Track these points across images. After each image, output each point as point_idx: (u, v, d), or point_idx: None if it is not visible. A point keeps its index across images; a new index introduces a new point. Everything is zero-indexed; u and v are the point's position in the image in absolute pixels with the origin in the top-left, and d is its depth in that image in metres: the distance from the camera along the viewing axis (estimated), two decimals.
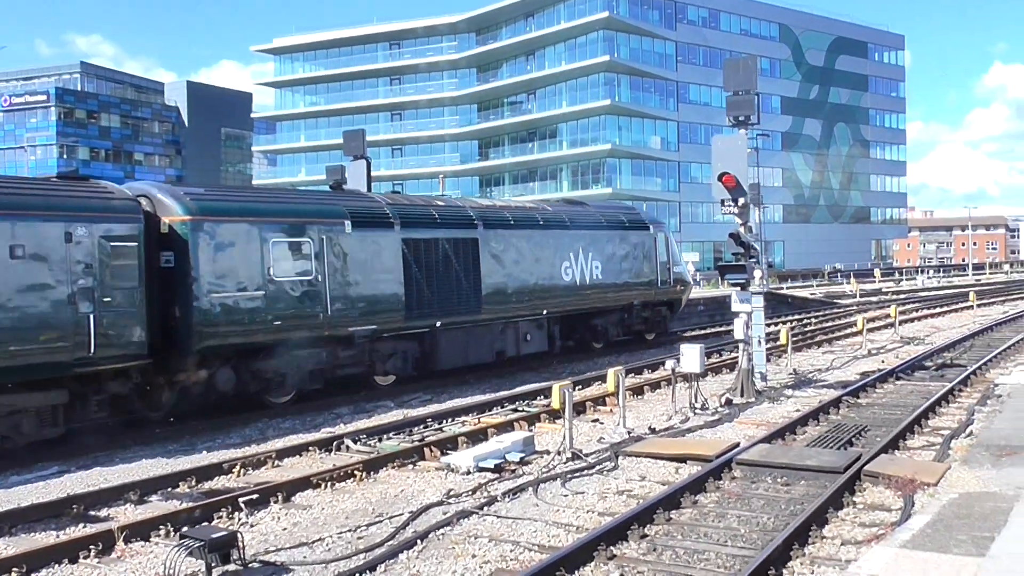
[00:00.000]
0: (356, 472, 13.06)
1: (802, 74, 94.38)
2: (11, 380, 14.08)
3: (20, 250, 13.99)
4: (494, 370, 23.32)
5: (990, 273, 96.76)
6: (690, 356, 17.23)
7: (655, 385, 20.65)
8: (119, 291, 15.12)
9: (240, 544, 9.06)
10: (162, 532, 10.47)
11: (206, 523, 10.67)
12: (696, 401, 17.52)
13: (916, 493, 11.25)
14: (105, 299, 14.93)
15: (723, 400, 18.34)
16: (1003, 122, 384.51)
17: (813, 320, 37.64)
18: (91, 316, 14.70)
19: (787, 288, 59.80)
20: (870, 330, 31.35)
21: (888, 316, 31.69)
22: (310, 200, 20.46)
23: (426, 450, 14.45)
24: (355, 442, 15.14)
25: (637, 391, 20.00)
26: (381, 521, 10.97)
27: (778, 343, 24.01)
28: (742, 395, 18.78)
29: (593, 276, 26.06)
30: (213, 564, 8.74)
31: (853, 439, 14.61)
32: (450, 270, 21.53)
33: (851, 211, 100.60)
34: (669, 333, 30.78)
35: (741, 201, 18.65)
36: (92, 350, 14.72)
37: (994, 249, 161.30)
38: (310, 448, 14.84)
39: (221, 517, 11.10)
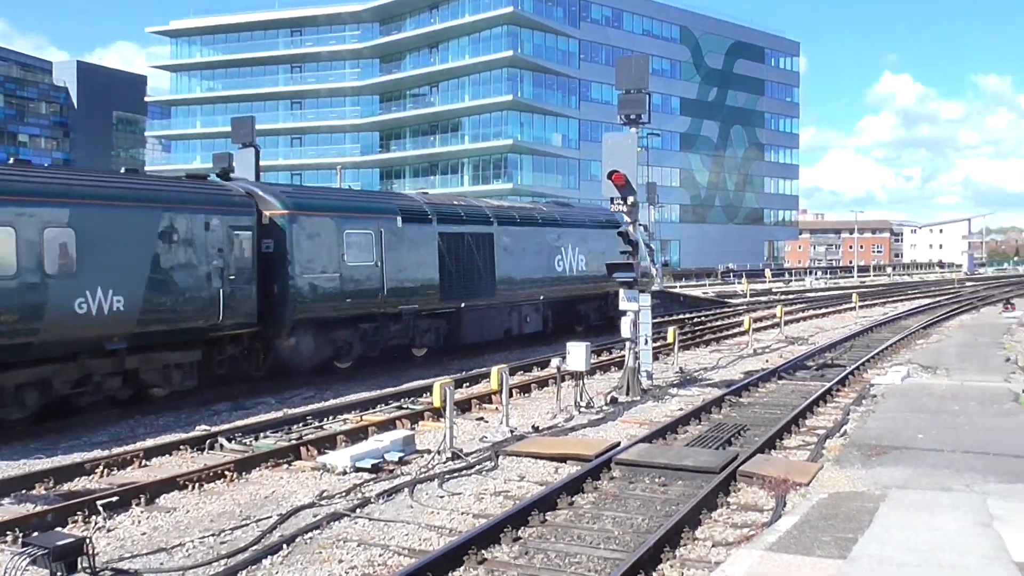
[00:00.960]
0: (227, 472, 12.60)
1: (701, 76, 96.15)
2: (168, 340, 17.36)
3: (176, 236, 17.25)
4: (467, 351, 25.85)
5: (874, 276, 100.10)
6: (576, 354, 17.17)
7: (543, 383, 20.58)
8: (239, 271, 18.53)
9: (89, 551, 8.57)
10: (8, 538, 9.87)
11: (58, 528, 10.10)
12: (581, 400, 17.49)
13: (788, 493, 11.36)
14: (230, 277, 18.29)
15: (609, 399, 18.36)
16: (891, 130, 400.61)
17: (702, 319, 38.24)
18: (221, 291, 18.08)
19: (680, 287, 60.78)
20: (757, 330, 31.99)
21: (774, 316, 32.32)
22: (372, 199, 25.65)
23: (303, 449, 14.05)
24: (229, 440, 14.65)
25: (525, 389, 19.90)
26: (248, 524, 10.57)
27: (667, 342, 24.19)
28: (628, 394, 18.83)
29: (579, 268, 30.12)
30: (58, 573, 8.23)
31: (732, 438, 14.74)
32: (472, 259, 25.33)
33: (746, 212, 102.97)
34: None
35: (631, 199, 18.66)
36: (220, 318, 18.13)
37: (879, 252, 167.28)
38: (181, 447, 14.29)
39: (76, 521, 10.54)
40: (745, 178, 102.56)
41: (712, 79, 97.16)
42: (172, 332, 17.43)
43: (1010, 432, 14.53)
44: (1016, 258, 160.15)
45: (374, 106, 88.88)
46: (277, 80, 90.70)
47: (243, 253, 18.70)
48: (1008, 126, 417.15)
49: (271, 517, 10.78)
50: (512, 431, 15.19)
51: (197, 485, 12.09)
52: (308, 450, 14.03)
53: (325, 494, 11.75)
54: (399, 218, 22.81)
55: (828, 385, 19.27)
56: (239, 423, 16.43)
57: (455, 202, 26.84)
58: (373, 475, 12.75)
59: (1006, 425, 15.10)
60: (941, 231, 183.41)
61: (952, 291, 62.02)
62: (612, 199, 18.94)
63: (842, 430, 15.10)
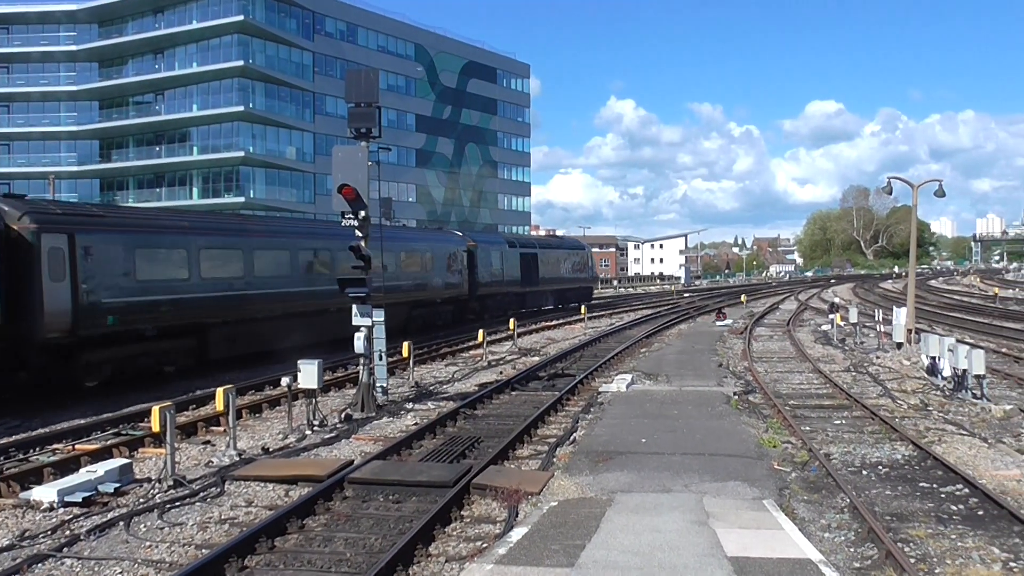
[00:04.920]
0: None
1: (436, 94, 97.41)
2: (440, 298, 39.85)
3: (448, 258, 40.59)
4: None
5: (602, 288, 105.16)
6: (308, 372, 16.67)
7: (274, 402, 19.87)
8: (462, 271, 42.14)
9: None
10: None
11: None
12: (314, 418, 17.00)
13: (520, 504, 11.47)
14: (464, 273, 42.59)
15: (343, 416, 17.97)
16: (617, 151, 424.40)
17: (439, 332, 38.52)
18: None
19: None
20: (491, 342, 32.58)
21: (508, 329, 33.07)
22: (502, 236, 56.66)
23: (2, 485, 12.69)
24: None
25: (255, 409, 19.13)
26: None
27: (403, 356, 24.08)
28: (363, 410, 18.52)
29: (569, 273, 58.85)
30: None
31: (467, 451, 14.77)
32: (530, 266, 51.61)
33: (481, 227, 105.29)
34: (589, 303, 57.32)
35: (362, 214, 18.40)
36: (466, 289, 42.62)
37: (606, 266, 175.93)
38: None
39: None
40: (480, 194, 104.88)
41: (447, 97, 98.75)
42: (442, 298, 37.40)
43: (723, 433, 15.53)
44: (727, 271, 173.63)
45: (93, 113, 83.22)
46: None
47: (463, 264, 40.33)
48: (719, 149, 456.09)
49: None
50: (240, 454, 14.49)
51: None
52: (9, 486, 12.70)
53: (28, 534, 10.66)
54: (506, 245, 48.70)
55: (559, 395, 19.81)
56: None
57: (520, 236, 55.60)
58: (85, 509, 11.71)
59: (719, 427, 16.13)
60: (662, 246, 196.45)
61: (671, 302, 66.22)
62: (343, 213, 18.59)
63: (571, 438, 15.52)
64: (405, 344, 23.16)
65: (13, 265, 19.49)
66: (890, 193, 35.30)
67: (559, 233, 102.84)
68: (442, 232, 46.90)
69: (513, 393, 21.32)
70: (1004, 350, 29.17)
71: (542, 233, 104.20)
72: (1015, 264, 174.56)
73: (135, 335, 22.49)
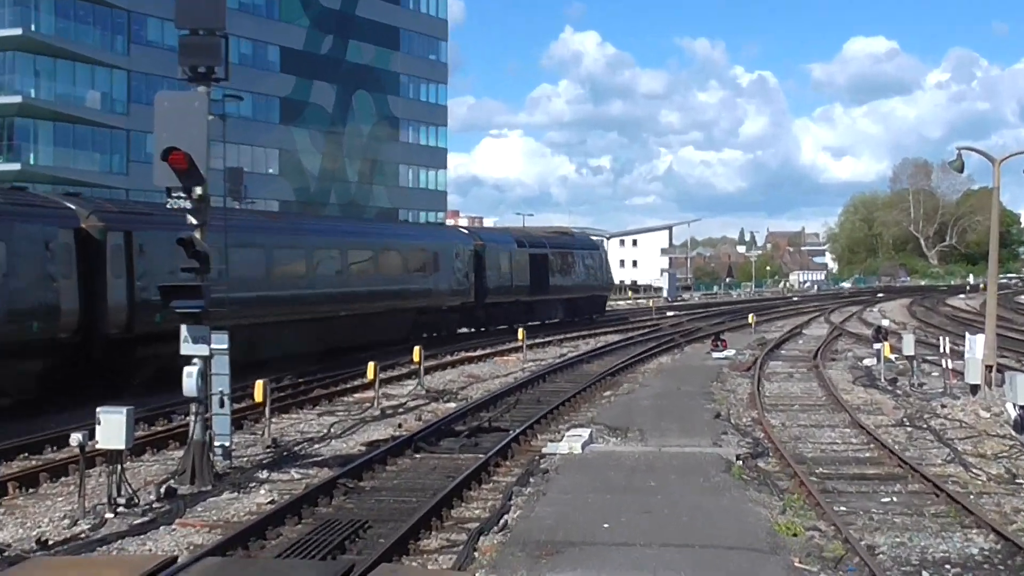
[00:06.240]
0: None
1: (311, 18, 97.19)
2: (448, 304, 53.03)
3: (457, 258, 53.87)
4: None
5: None
6: (111, 425, 16.37)
7: (58, 469, 19.53)
8: (467, 273, 54.34)
9: None
10: None
11: None
12: (120, 493, 16.73)
13: None
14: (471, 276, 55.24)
15: (163, 490, 17.73)
16: (573, 105, 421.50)
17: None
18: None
19: None
20: (387, 381, 32.38)
21: (412, 361, 32.95)
22: (508, 232, 67.17)
23: None
24: None
25: (30, 480, 18.75)
26: None
27: (256, 401, 23.86)
28: (193, 481, 18.30)
29: (582, 279, 69.07)
30: None
31: (348, 542, 14.68)
32: (539, 269, 62.25)
33: (374, 213, 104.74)
34: (604, 314, 74.40)
35: (198, 191, 18.23)
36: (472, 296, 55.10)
37: None
38: None
39: None
40: (373, 165, 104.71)
41: (326, 22, 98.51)
42: (449, 305, 53.46)
43: (720, 514, 15.57)
44: (729, 279, 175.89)
45: None
46: None
47: (468, 263, 54.78)
48: (720, 105, 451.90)
49: None
50: (1, 551, 14.18)
51: None
52: None
53: None
54: (515, 244, 60.30)
55: (484, 458, 19.79)
56: None
57: (530, 233, 70.94)
58: None
59: (715, 505, 16.18)
60: (635, 243, 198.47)
61: (650, 324, 66.96)
62: (169, 190, 18.39)
63: (502, 521, 15.51)
64: (258, 384, 22.94)
65: (85, 263, 28.95)
66: (961, 170, 35.04)
67: (488, 222, 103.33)
68: (445, 228, 65.32)
69: (418, 456, 21.30)
70: None
71: (462, 222, 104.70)
72: None
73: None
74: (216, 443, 19.36)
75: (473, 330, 56.70)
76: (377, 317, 45.91)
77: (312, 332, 39.84)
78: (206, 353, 18.78)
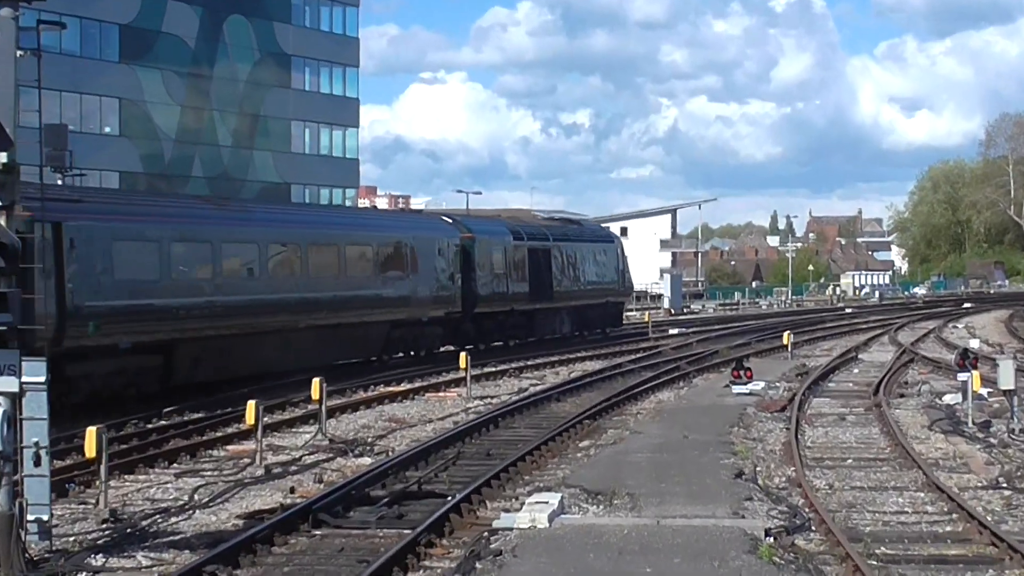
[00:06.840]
0: None
1: None
2: (430, 314, 57.50)
3: (440, 255, 58.55)
4: None
5: None
6: None
7: None
8: (452, 275, 58.66)
9: None
10: None
11: None
12: None
13: None
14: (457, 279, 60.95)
15: None
16: (536, 38, 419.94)
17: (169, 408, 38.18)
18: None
19: None
20: (274, 426, 32.32)
21: (312, 400, 32.87)
22: (502, 222, 70.27)
23: None
24: None
25: None
26: None
27: (86, 457, 23.80)
28: None
29: (594, 282, 73.83)
30: None
31: None
32: (540, 269, 67.07)
33: (256, 190, 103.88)
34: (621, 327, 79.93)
35: (2, 158, 18.14)
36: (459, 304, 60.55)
37: None
38: None
39: None
40: (254, 122, 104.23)
41: None
42: (432, 316, 58.77)
43: None
44: (756, 283, 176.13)
45: None
46: None
47: (454, 263, 59.42)
48: (744, 38, 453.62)
49: None
50: None
51: None
52: None
53: None
54: (510, 237, 65.61)
55: (412, 535, 19.77)
56: None
57: (538, 219, 74.82)
58: None
59: None
60: (625, 231, 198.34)
61: (645, 346, 67.41)
62: None
63: None
64: (90, 431, 22.79)
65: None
66: None
67: (417, 204, 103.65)
68: (424, 216, 66.58)
69: (318, 533, 21.31)
70: None
71: (380, 203, 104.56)
72: None
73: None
74: (30, 517, 19.20)
75: (459, 348, 54.43)
76: (341, 331, 47.63)
77: (256, 350, 41.57)
78: (15, 389, 18.61)
